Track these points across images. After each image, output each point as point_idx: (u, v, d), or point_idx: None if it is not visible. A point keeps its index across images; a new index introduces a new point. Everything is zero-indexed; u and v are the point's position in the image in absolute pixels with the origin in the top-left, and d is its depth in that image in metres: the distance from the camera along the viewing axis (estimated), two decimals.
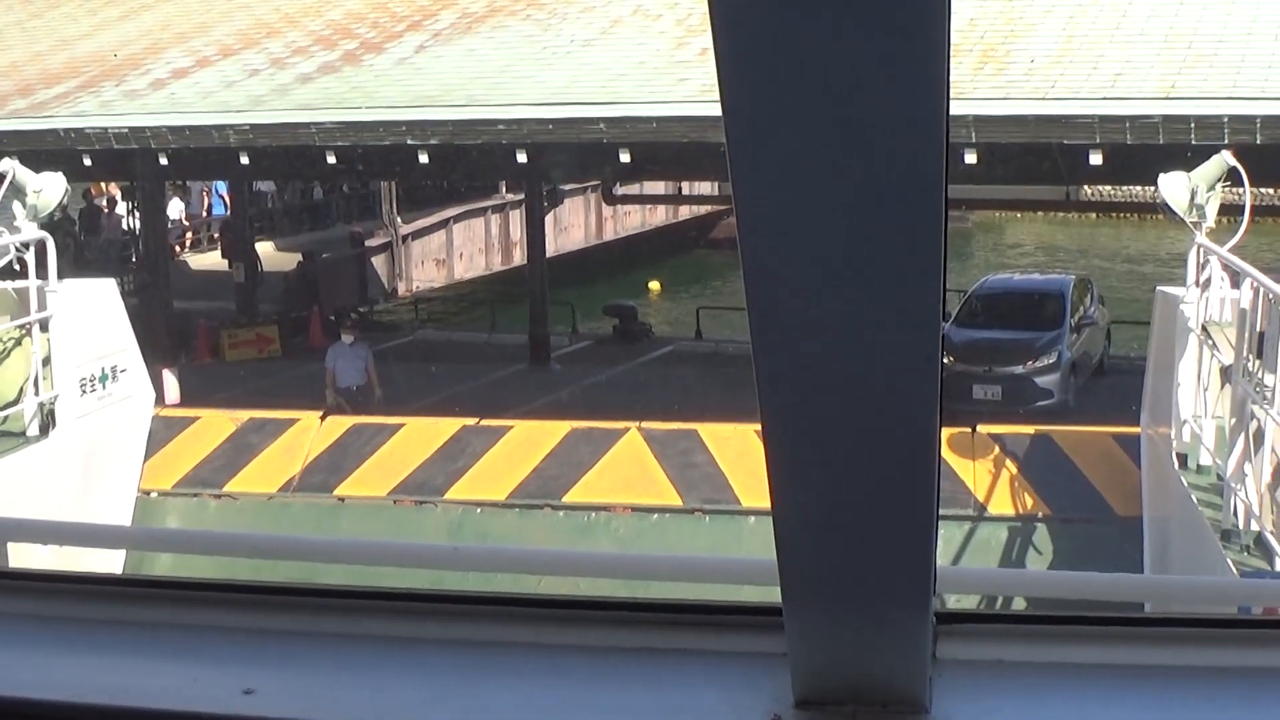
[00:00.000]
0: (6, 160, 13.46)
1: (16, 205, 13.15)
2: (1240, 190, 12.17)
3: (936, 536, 1.38)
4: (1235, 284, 11.40)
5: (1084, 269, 31.00)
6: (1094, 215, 42.16)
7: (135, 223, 29.56)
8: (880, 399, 1.24)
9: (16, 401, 13.21)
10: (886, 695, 1.50)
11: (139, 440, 14.97)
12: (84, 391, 13.74)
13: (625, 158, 17.85)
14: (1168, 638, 1.65)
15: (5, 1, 26.41)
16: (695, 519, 14.40)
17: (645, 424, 15.29)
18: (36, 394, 13.17)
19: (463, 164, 20.90)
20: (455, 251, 35.90)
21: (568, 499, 14.72)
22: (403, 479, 15.19)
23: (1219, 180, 12.26)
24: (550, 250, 27.66)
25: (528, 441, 15.40)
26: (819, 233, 1.14)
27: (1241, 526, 10.28)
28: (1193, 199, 12.23)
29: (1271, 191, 27.40)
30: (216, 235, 33.30)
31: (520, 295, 26.27)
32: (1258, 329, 10.35)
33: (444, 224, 35.56)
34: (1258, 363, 10.28)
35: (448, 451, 15.43)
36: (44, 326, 13.28)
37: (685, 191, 36.39)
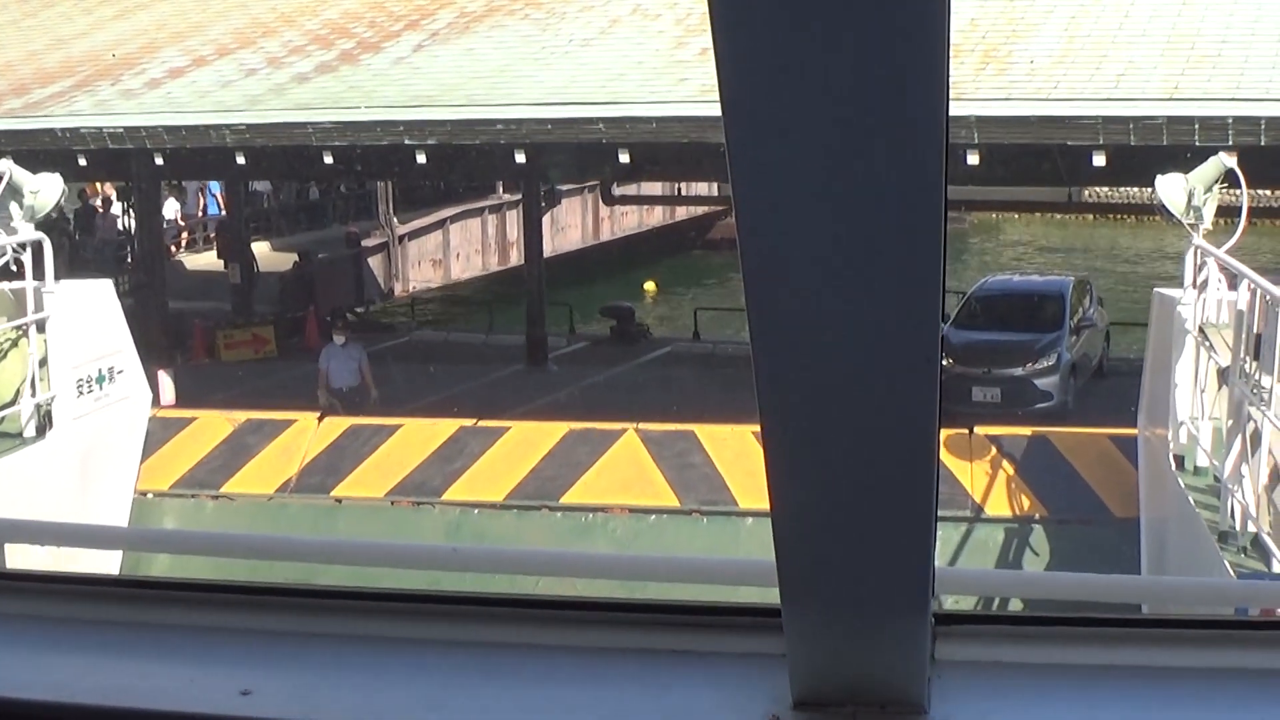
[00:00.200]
0: (3, 161, 13.45)
1: (13, 206, 13.15)
2: (1238, 192, 12.18)
3: (935, 537, 1.38)
4: (1232, 286, 11.41)
5: (1083, 269, 31.01)
6: (1091, 216, 42.21)
7: (131, 223, 29.53)
8: (879, 399, 1.24)
9: (13, 402, 13.20)
10: (885, 696, 1.50)
11: (136, 441, 14.96)
12: (81, 392, 13.73)
13: (625, 158, 17.85)
14: (1165, 639, 1.65)
15: (0, 1, 26.40)
16: (693, 520, 14.40)
17: (643, 425, 15.28)
18: (33, 395, 13.16)
19: (461, 164, 20.91)
20: (452, 252, 35.89)
21: (565, 500, 14.72)
22: (400, 480, 15.18)
23: (1216, 182, 12.27)
24: (547, 251, 27.66)
25: (525, 442, 15.40)
26: (819, 233, 1.14)
27: (1238, 528, 10.29)
28: (1190, 201, 12.24)
29: (1269, 193, 27.42)
30: (212, 235, 33.27)
31: (517, 296, 26.27)
32: (1255, 330, 10.36)
33: (441, 224, 35.55)
34: (1255, 364, 10.28)
35: (445, 452, 15.43)
36: (41, 327, 13.27)
37: (683, 192, 36.40)
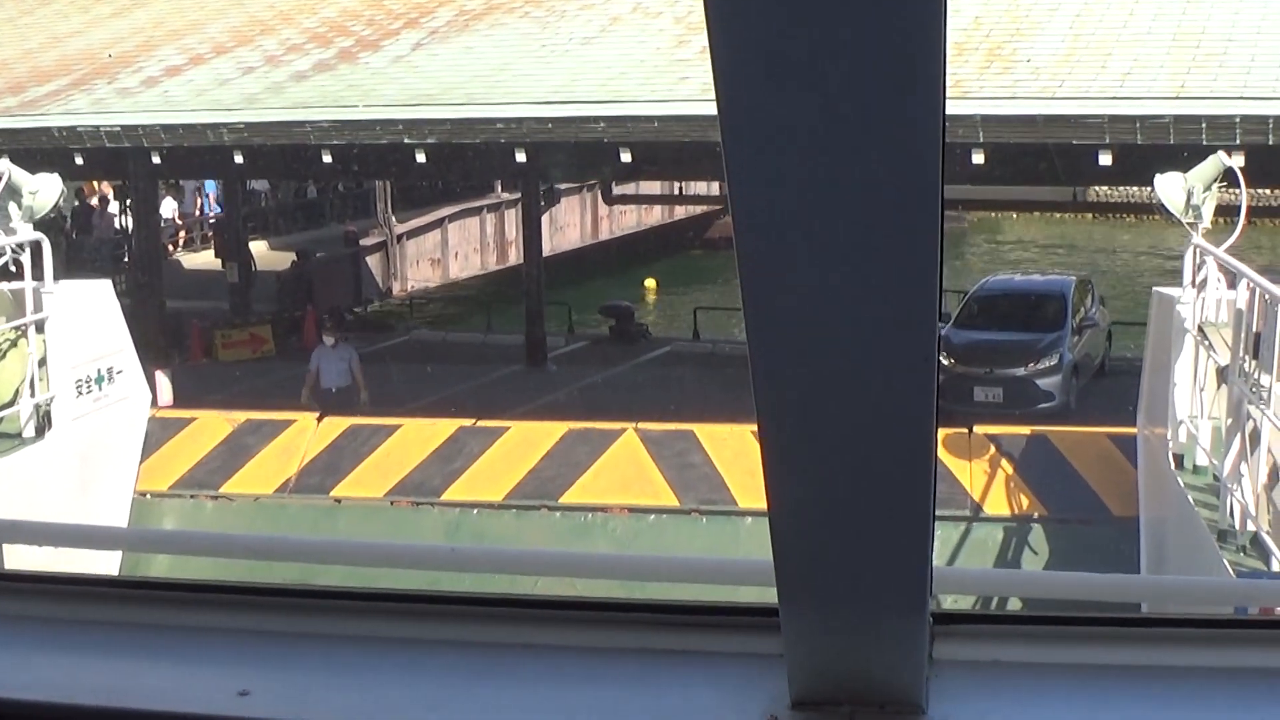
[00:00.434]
0: (1, 161, 13.44)
1: (12, 206, 13.14)
2: (1237, 191, 12.18)
3: (933, 537, 1.38)
4: (1232, 284, 11.41)
5: (1084, 268, 31.01)
6: (1091, 215, 42.21)
7: (128, 222, 29.51)
8: (877, 399, 1.23)
9: (12, 403, 13.19)
10: (883, 696, 1.50)
11: (135, 442, 14.96)
12: (80, 393, 13.73)
13: (626, 157, 17.83)
14: (1164, 638, 1.65)
15: None
16: (692, 520, 14.40)
17: (642, 425, 15.28)
18: (32, 395, 13.15)
19: (461, 163, 20.91)
20: (450, 251, 35.88)
21: (565, 500, 14.71)
22: (399, 480, 15.17)
23: (1215, 180, 12.26)
24: (546, 250, 27.64)
25: (525, 442, 15.40)
26: (815, 232, 1.14)
27: (1238, 527, 10.29)
28: (1189, 199, 12.23)
29: (1269, 192, 27.39)
30: (210, 234, 33.25)
31: (516, 295, 26.26)
32: (1254, 329, 10.36)
33: (439, 223, 35.55)
34: (1254, 363, 10.28)
35: (444, 452, 15.42)
36: (40, 328, 13.27)
37: (682, 191, 36.40)
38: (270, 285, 27.99)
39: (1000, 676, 1.60)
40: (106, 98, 20.08)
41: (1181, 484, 11.50)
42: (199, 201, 35.75)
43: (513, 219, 35.59)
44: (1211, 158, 12.43)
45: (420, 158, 18.48)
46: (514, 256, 34.61)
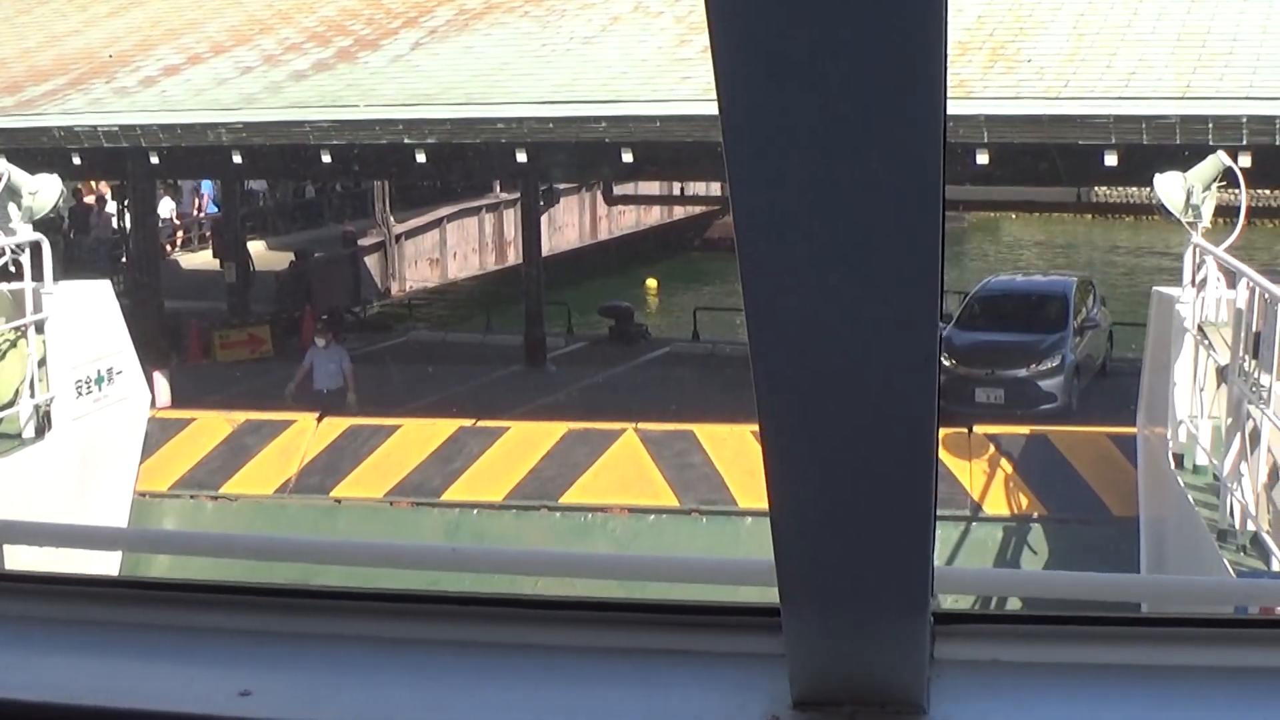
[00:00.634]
0: (1, 162, 13.44)
1: (12, 207, 13.14)
2: (1236, 191, 12.18)
3: (934, 536, 1.38)
4: (1231, 284, 11.41)
5: (1085, 268, 31.00)
6: (1090, 216, 42.21)
7: (125, 221, 29.50)
8: (878, 399, 1.24)
9: (12, 403, 13.19)
10: (884, 696, 1.50)
11: (135, 442, 14.95)
12: (80, 393, 13.73)
13: (627, 157, 17.81)
14: (1165, 637, 1.65)
15: None
16: (692, 520, 14.40)
17: (642, 425, 15.28)
18: (32, 396, 13.15)
19: (461, 163, 20.90)
20: (449, 251, 35.88)
21: (564, 500, 14.72)
22: (399, 480, 15.18)
23: (1215, 180, 12.26)
24: (544, 250, 27.63)
25: (524, 442, 15.40)
26: (817, 233, 1.14)
27: (1238, 526, 10.28)
28: (1188, 199, 12.23)
29: (1268, 193, 27.36)
30: (208, 234, 33.24)
31: (515, 295, 26.25)
32: (1254, 329, 10.35)
33: (438, 223, 35.54)
34: (1254, 363, 10.28)
35: (444, 453, 15.42)
36: (40, 328, 13.27)
37: (684, 191, 36.39)
38: (268, 285, 27.98)
39: (1001, 676, 1.60)
40: (104, 97, 20.06)
41: (1181, 484, 11.50)
42: (196, 201, 35.74)
43: (511, 219, 35.60)
44: (1211, 157, 12.43)
45: (420, 158, 18.47)
46: (513, 256, 34.62)
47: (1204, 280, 11.99)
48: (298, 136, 18.60)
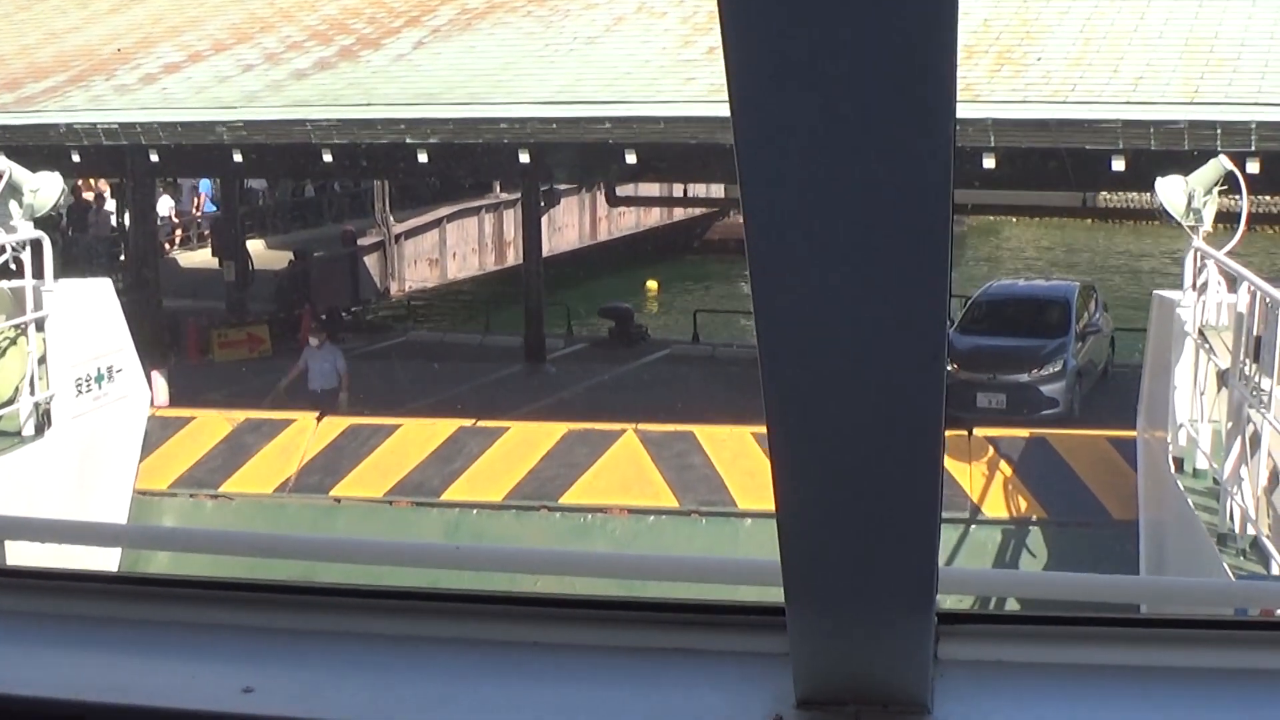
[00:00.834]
0: (2, 159, 13.44)
1: (13, 204, 13.14)
2: (1237, 196, 12.18)
3: (939, 537, 1.38)
4: (1232, 288, 11.41)
5: (1086, 271, 30.98)
6: (1090, 220, 42.21)
7: (125, 219, 29.49)
8: (885, 400, 1.24)
9: (12, 401, 13.19)
10: (888, 696, 1.50)
11: (135, 441, 14.95)
12: (80, 391, 13.73)
13: (631, 158, 17.77)
14: (1167, 639, 1.66)
15: None
16: (692, 521, 14.40)
17: (642, 426, 15.28)
18: (32, 394, 13.15)
19: (464, 163, 20.87)
20: (448, 251, 35.87)
21: (564, 500, 14.72)
22: (399, 480, 15.18)
23: (1216, 184, 12.26)
24: (544, 250, 27.62)
25: (524, 443, 15.40)
26: (826, 234, 1.14)
27: (1238, 530, 10.29)
28: (1190, 203, 12.23)
29: (1268, 198, 27.32)
30: (206, 233, 33.24)
31: (514, 295, 26.24)
32: (1254, 333, 10.35)
33: (437, 223, 35.54)
34: (1254, 366, 10.28)
35: (444, 453, 15.42)
36: (40, 326, 13.27)
37: (687, 193, 36.37)
38: (267, 284, 27.96)
39: (1005, 676, 1.60)
40: (104, 94, 20.03)
41: (1181, 487, 11.50)
42: (195, 200, 35.74)
43: (511, 219, 35.59)
44: (1213, 161, 12.42)
45: (422, 157, 18.44)
46: (512, 257, 34.61)
47: (1205, 284, 11.99)
48: (299, 135, 18.57)
